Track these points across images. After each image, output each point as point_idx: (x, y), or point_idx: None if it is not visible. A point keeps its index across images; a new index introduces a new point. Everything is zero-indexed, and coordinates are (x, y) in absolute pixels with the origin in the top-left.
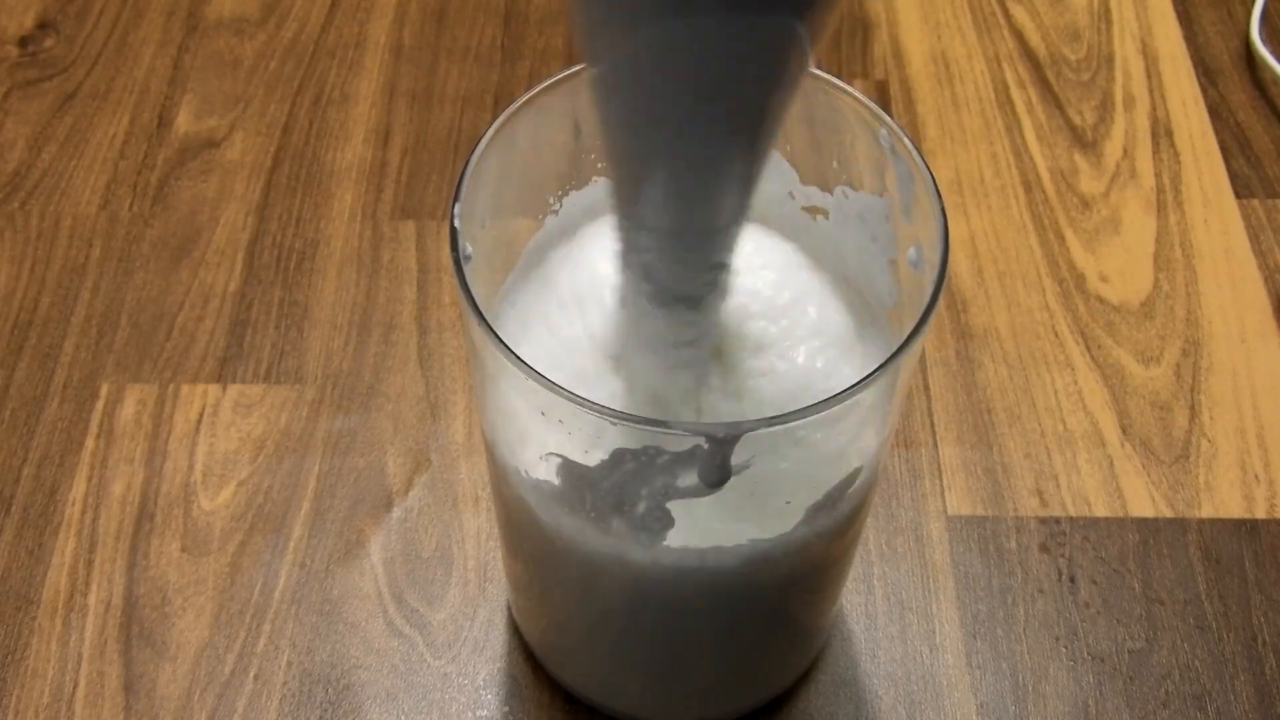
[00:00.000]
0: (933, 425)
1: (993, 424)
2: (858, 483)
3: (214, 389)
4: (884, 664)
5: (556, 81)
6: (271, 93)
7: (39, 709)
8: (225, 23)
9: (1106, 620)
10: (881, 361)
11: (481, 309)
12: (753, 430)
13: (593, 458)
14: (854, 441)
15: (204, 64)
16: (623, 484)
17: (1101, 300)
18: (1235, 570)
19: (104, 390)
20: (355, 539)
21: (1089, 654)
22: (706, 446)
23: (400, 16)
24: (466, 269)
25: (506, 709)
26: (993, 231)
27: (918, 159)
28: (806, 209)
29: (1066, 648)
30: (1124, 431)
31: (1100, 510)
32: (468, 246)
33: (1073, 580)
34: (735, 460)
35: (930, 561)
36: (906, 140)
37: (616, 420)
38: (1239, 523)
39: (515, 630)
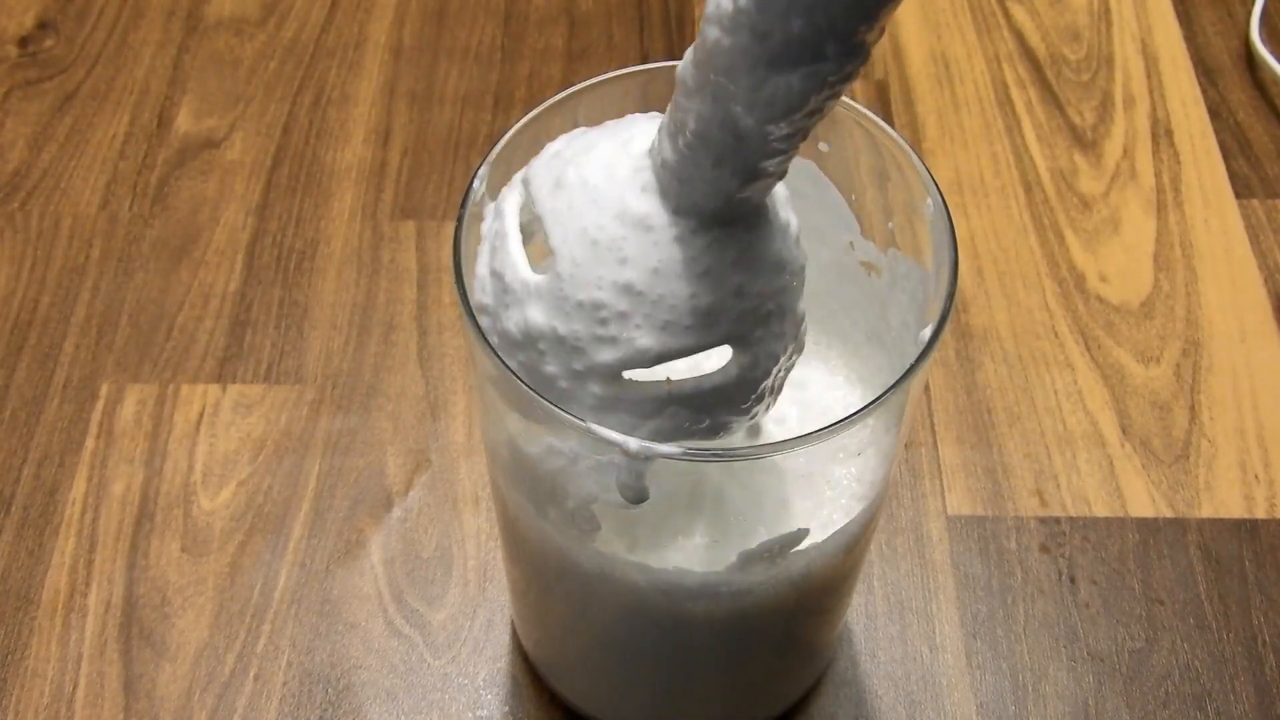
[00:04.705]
0: (933, 425)
1: (993, 424)
2: (804, 545)
3: (214, 389)
4: (884, 664)
5: (596, 84)
6: (271, 93)
7: (39, 709)
8: (225, 23)
9: (1106, 620)
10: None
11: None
12: (666, 456)
13: (528, 441)
14: (794, 503)
15: (204, 64)
16: (554, 475)
17: (1101, 300)
18: (1235, 570)
19: (104, 390)
20: (355, 539)
21: (1089, 654)
22: (621, 459)
23: (400, 16)
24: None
25: (506, 709)
26: (993, 231)
27: (951, 239)
28: (864, 263)
29: (1066, 648)
30: (1124, 431)
31: (1100, 510)
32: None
33: (1073, 580)
34: (656, 482)
35: (930, 561)
36: (947, 217)
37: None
38: (1239, 523)
39: (515, 631)
